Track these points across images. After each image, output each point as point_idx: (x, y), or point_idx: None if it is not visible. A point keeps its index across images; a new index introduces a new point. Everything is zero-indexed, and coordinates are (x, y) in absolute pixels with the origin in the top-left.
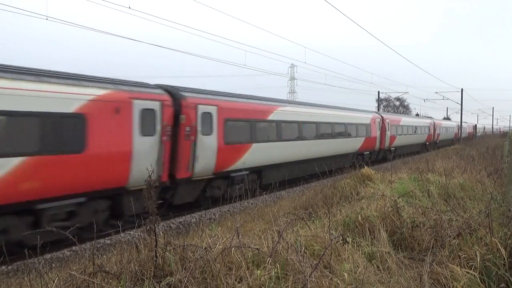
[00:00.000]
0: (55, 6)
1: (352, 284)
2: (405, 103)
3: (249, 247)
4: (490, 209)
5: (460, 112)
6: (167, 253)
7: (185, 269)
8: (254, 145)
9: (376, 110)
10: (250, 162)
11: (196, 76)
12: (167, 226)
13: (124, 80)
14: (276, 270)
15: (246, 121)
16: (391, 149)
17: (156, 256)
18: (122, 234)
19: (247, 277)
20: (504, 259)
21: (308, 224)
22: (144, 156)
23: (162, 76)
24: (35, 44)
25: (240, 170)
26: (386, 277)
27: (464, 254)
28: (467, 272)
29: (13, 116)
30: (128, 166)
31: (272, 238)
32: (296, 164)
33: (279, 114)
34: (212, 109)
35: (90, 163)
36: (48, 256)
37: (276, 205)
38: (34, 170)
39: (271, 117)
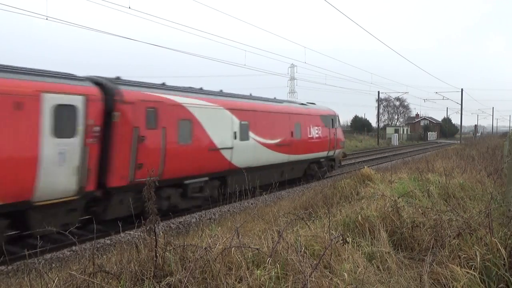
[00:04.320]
0: (55, 6)
1: (352, 284)
2: (405, 103)
3: (249, 247)
4: (490, 209)
5: (460, 112)
6: (167, 253)
7: (185, 269)
8: None
9: None
10: None
11: (196, 76)
12: (167, 226)
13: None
14: (276, 270)
15: None
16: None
17: (156, 256)
18: (122, 234)
19: (247, 277)
20: (504, 259)
21: (308, 224)
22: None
23: (162, 76)
24: (35, 44)
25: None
26: (386, 277)
27: (464, 254)
28: (467, 272)
29: None
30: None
31: (272, 238)
32: None
33: None
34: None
35: None
36: (48, 256)
37: (276, 205)
38: None
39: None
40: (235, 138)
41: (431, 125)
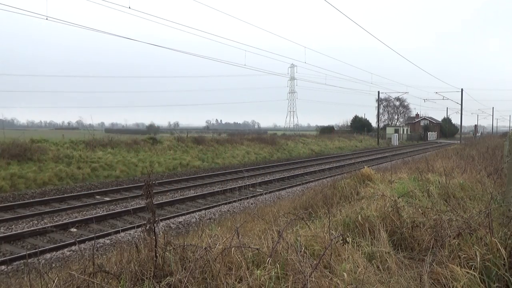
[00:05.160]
0: (55, 6)
1: (352, 284)
2: (405, 103)
3: (249, 247)
4: (490, 209)
5: (460, 112)
6: (167, 253)
7: (185, 269)
8: None
9: None
10: None
11: (196, 76)
12: (167, 226)
13: None
14: (276, 270)
15: None
16: None
17: (156, 256)
18: (122, 234)
19: (247, 277)
20: (504, 259)
21: (308, 224)
22: None
23: (161, 76)
24: (35, 44)
25: None
26: (386, 277)
27: (464, 254)
28: (467, 272)
29: None
30: None
31: (272, 238)
32: None
33: None
34: None
35: None
36: (48, 256)
37: (276, 205)
38: None
39: None
40: None
41: (431, 125)
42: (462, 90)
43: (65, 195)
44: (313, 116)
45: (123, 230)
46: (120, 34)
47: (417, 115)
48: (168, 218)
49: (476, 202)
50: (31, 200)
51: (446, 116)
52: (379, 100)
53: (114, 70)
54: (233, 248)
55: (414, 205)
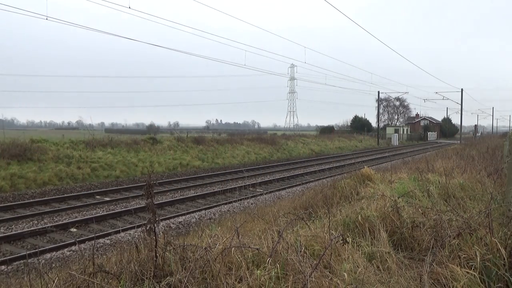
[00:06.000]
0: (55, 6)
1: (352, 284)
2: (405, 103)
3: (249, 247)
4: (490, 209)
5: (460, 112)
6: (167, 253)
7: (185, 269)
8: None
9: None
10: None
11: (196, 76)
12: (167, 226)
13: None
14: (276, 270)
15: None
16: None
17: (156, 256)
18: (122, 234)
19: (247, 277)
20: (504, 259)
21: (308, 224)
22: None
23: (161, 76)
24: (35, 44)
25: None
26: (386, 277)
27: (464, 254)
28: (467, 272)
29: None
30: None
31: (272, 238)
32: None
33: None
34: None
35: None
36: (48, 256)
37: (276, 205)
38: None
39: None
40: None
41: (431, 125)
42: (462, 90)
43: (65, 195)
44: (313, 116)
45: (123, 230)
46: (120, 34)
47: (417, 115)
48: (168, 218)
49: (476, 202)
50: (31, 200)
51: (446, 116)
52: (379, 100)
53: (114, 70)
54: (233, 248)
55: (414, 205)
